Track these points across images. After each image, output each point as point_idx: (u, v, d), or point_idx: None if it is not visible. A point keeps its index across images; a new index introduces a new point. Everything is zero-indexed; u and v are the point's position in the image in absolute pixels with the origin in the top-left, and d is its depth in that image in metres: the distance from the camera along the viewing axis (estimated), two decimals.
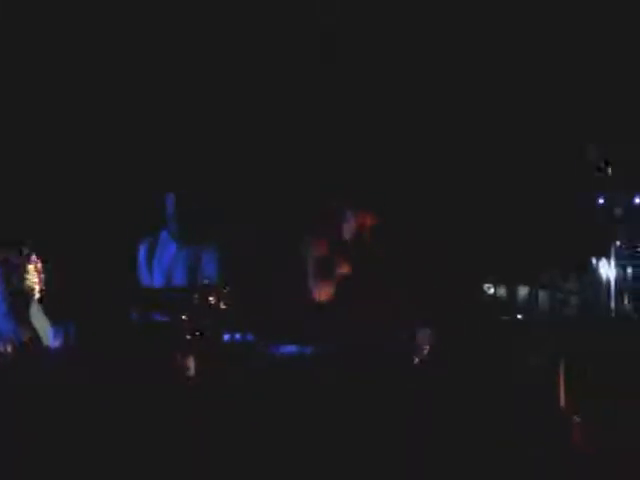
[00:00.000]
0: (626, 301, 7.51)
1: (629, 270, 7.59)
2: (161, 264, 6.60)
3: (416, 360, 6.50)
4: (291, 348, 6.04)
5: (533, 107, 7.77)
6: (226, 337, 6.16)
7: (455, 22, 7.78)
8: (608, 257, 7.43)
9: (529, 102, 7.77)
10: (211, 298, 6.11)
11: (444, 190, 7.65)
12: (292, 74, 7.86)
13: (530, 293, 7.80)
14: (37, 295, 5.65)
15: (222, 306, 6.14)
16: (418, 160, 7.72)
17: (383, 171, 7.46)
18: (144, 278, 6.66)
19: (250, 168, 7.83)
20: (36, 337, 5.69)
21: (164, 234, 6.66)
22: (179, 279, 6.50)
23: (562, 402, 6.08)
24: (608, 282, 7.40)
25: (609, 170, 7.52)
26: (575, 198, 7.69)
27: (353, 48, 7.82)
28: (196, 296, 5.78)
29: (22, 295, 5.62)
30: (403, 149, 7.77)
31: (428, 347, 6.53)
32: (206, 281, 6.22)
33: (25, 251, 5.62)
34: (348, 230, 6.53)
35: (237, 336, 6.34)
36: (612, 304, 7.42)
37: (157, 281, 6.59)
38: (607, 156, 7.50)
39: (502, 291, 7.68)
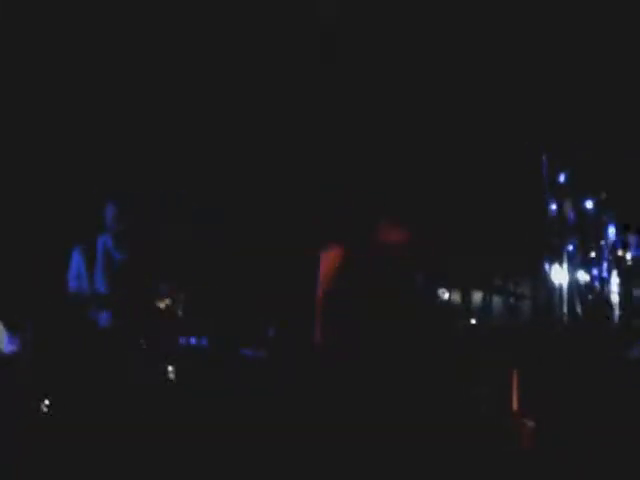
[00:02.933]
0: (577, 307, 7.58)
1: (581, 275, 7.67)
2: (106, 270, 6.57)
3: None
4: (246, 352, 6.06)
5: (487, 110, 7.85)
6: (181, 341, 6.18)
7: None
8: (560, 262, 7.50)
9: (482, 105, 7.84)
10: (164, 303, 6.14)
11: (401, 193, 7.69)
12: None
13: (484, 298, 7.86)
14: None
15: (178, 311, 6.17)
16: (376, 161, 7.76)
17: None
18: (83, 284, 6.62)
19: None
20: None
21: (103, 240, 6.64)
22: (124, 285, 6.50)
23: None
24: (560, 287, 7.46)
25: (562, 176, 7.62)
26: (528, 203, 7.76)
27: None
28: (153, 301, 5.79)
29: None
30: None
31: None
32: (161, 286, 6.24)
33: None
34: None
35: (192, 340, 6.37)
36: (565, 308, 7.48)
37: (101, 287, 6.57)
38: (561, 162, 7.59)
39: (456, 296, 7.73)
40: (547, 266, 7.59)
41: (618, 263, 7.67)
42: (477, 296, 7.82)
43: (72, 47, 7.65)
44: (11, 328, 5.68)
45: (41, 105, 7.64)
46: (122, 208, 6.59)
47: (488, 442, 5.75)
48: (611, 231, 7.74)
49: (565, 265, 7.51)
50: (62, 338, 5.68)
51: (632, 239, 7.74)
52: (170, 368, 5.99)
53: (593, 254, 7.75)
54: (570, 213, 7.73)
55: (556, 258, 7.51)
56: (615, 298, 7.54)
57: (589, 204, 7.76)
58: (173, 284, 6.46)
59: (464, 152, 7.81)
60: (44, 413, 5.44)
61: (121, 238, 6.61)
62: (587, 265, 7.76)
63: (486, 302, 7.83)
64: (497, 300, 7.93)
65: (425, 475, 5.34)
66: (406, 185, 7.41)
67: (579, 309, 7.52)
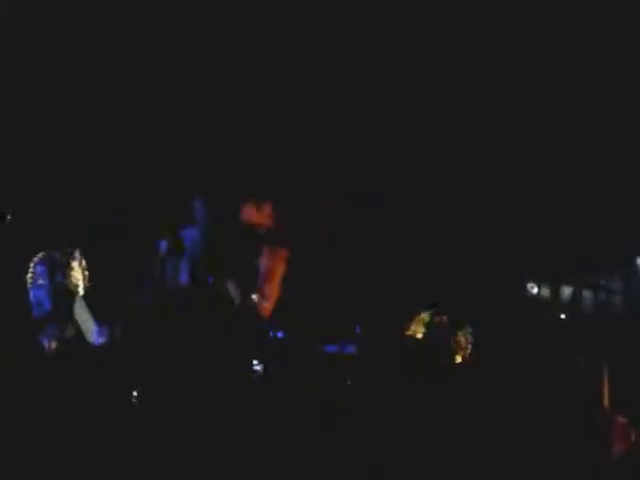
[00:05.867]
0: None
1: None
2: (191, 262, 6.59)
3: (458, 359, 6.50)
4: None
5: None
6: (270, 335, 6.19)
7: None
8: None
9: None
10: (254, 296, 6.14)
11: (489, 185, 7.62)
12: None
13: (574, 293, 7.74)
14: (81, 292, 5.67)
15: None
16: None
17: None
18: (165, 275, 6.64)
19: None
20: (80, 334, 5.70)
21: (191, 233, 6.66)
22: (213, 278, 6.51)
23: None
24: None
25: None
26: (622, 198, 7.61)
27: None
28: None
29: (66, 292, 5.64)
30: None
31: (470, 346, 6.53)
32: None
33: (69, 248, 5.66)
34: None
35: (280, 334, 6.36)
36: None
37: (184, 278, 6.59)
38: None
39: (546, 290, 7.62)
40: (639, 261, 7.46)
41: None
42: (567, 291, 7.70)
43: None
44: (101, 319, 5.72)
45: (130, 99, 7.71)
46: (213, 204, 6.59)
47: (579, 438, 5.65)
48: None
49: None
50: (151, 329, 5.70)
51: None
52: (255, 362, 5.99)
53: None
54: None
55: None
56: None
57: None
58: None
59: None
60: (134, 404, 5.47)
61: (209, 233, 6.61)
62: None
63: (576, 297, 7.70)
64: (587, 295, 7.80)
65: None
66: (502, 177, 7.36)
67: None
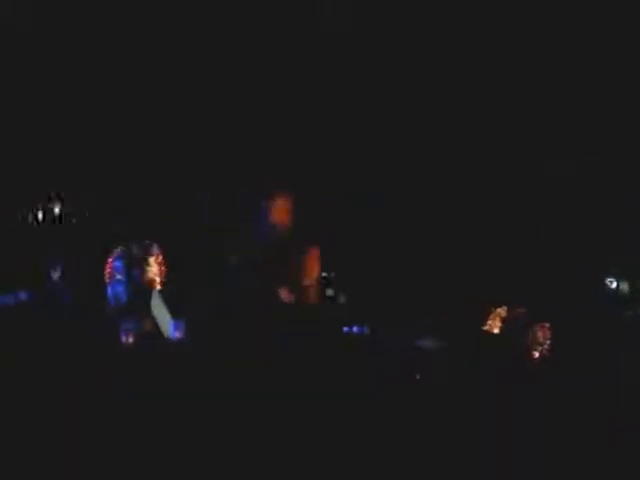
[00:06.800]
0: None
1: None
2: None
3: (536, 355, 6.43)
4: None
5: None
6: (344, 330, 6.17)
7: None
8: None
9: None
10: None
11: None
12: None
13: None
14: (158, 287, 5.71)
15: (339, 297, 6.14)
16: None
17: None
18: None
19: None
20: (157, 328, 5.74)
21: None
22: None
23: None
24: None
25: None
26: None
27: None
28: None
29: (143, 287, 5.68)
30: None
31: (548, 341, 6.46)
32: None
33: (146, 243, 5.71)
34: None
35: (355, 329, 6.34)
36: None
37: None
38: None
39: (625, 286, 7.50)
40: None
41: None
42: None
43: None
44: (177, 314, 5.75)
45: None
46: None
47: None
48: None
49: None
50: (227, 324, 5.71)
51: None
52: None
53: None
54: None
55: None
56: None
57: None
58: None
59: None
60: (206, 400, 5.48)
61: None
62: None
63: None
64: None
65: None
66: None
67: None
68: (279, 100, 7.80)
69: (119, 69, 7.72)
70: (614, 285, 7.37)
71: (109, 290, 5.66)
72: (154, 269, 5.68)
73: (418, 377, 5.77)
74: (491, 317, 6.47)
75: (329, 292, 6.48)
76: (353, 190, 7.75)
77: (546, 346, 6.41)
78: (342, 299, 6.59)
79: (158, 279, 5.71)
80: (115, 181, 7.18)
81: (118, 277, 5.63)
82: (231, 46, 7.81)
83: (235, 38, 7.80)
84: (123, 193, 7.06)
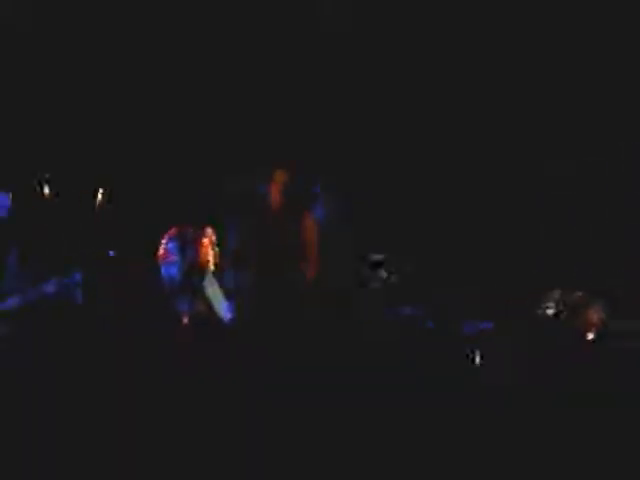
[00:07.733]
0: None
1: None
2: None
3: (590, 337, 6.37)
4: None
5: None
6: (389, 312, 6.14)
7: None
8: None
9: None
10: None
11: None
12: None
13: None
14: (212, 268, 5.68)
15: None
16: None
17: None
18: None
19: None
20: (210, 310, 5.72)
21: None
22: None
23: None
24: None
25: None
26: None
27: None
28: None
29: (197, 268, 5.65)
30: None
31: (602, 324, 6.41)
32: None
33: (200, 224, 5.68)
34: None
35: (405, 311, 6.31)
36: None
37: None
38: None
39: None
40: None
41: None
42: None
43: None
44: (231, 296, 5.74)
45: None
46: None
47: None
48: None
49: None
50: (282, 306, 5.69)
51: None
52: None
53: None
54: None
55: None
56: None
57: None
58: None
59: None
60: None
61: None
62: None
63: None
64: None
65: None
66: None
67: None
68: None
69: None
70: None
71: (163, 271, 5.62)
72: (208, 250, 5.64)
73: (478, 362, 5.74)
74: (545, 299, 6.42)
75: (382, 274, 6.44)
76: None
77: (600, 328, 6.36)
78: (393, 279, 6.55)
79: (212, 260, 5.67)
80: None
81: (171, 258, 5.58)
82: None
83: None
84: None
